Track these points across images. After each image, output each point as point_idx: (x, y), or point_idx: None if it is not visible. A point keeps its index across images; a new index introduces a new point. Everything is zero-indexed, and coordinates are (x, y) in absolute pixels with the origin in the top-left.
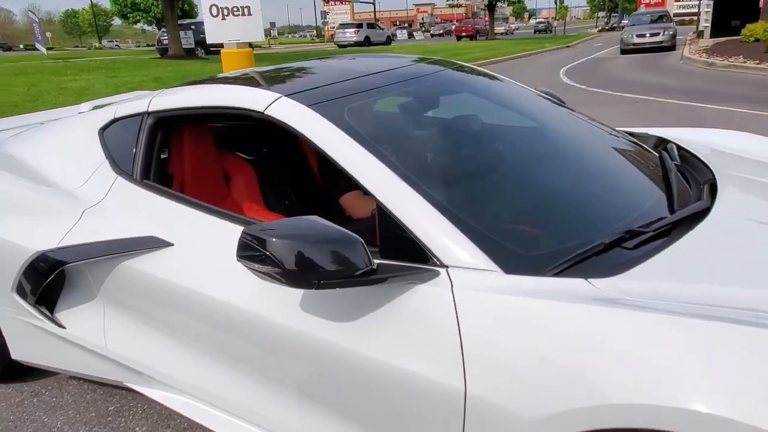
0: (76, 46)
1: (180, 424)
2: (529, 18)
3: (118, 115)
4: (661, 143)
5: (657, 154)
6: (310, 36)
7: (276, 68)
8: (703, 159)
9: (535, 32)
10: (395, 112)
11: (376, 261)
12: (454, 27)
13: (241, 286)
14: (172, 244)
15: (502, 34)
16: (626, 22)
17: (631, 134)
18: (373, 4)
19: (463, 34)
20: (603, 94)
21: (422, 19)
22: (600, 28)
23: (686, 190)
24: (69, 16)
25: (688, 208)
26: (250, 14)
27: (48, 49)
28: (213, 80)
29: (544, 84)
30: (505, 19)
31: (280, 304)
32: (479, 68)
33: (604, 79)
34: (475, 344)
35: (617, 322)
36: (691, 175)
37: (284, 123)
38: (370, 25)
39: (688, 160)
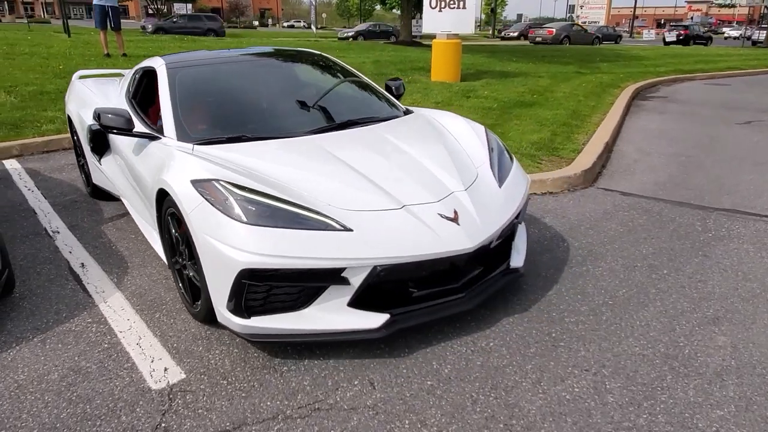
0: (344, 27)
1: None
2: None
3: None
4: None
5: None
6: None
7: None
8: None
9: None
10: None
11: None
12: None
13: None
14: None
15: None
16: None
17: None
18: None
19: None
20: None
21: (691, 18)
22: None
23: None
24: (343, 0)
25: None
26: (464, 7)
27: (319, 28)
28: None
29: None
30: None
31: None
32: (330, 60)
33: None
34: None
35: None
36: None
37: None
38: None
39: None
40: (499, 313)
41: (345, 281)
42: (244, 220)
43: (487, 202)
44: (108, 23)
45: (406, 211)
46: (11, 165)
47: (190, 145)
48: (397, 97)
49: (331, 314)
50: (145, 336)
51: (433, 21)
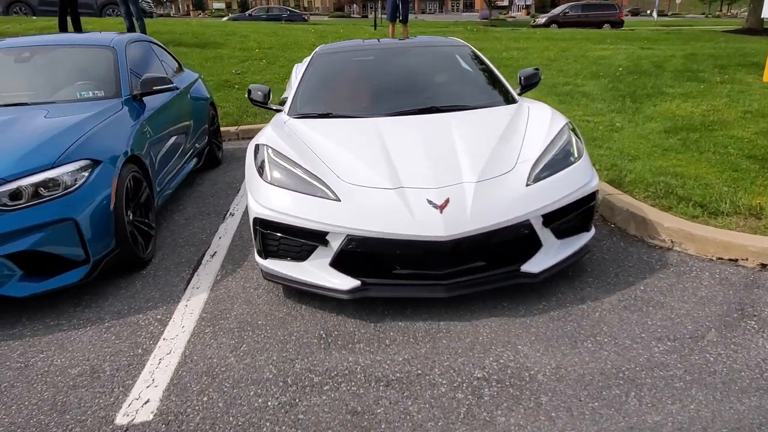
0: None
1: None
2: None
3: None
4: None
5: None
6: None
7: None
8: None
9: None
10: None
11: None
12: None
13: None
14: None
15: None
16: None
17: None
18: None
19: None
20: None
21: None
22: None
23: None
24: None
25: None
26: None
27: (670, 15)
28: None
29: None
30: None
31: None
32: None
33: None
34: None
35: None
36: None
37: None
38: None
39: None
40: None
41: (327, 244)
42: (267, 179)
43: (495, 197)
44: (397, 15)
45: (397, 192)
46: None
47: (288, 118)
48: (529, 86)
49: (317, 270)
50: (172, 353)
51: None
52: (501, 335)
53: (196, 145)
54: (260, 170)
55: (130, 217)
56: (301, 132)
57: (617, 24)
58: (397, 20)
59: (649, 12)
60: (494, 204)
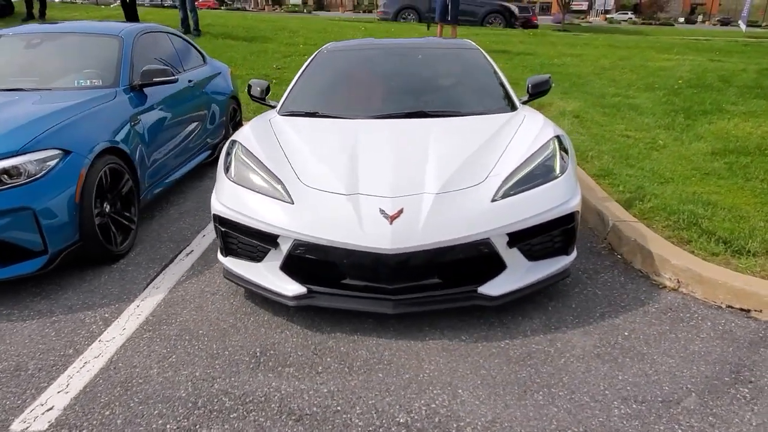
0: None
1: None
2: None
3: None
4: None
5: None
6: None
7: None
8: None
9: None
10: None
11: None
12: None
13: None
14: None
15: None
16: None
17: None
18: None
19: None
20: None
21: None
22: None
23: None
24: None
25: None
26: None
27: (754, 24)
28: None
29: None
30: None
31: None
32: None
33: None
34: None
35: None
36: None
37: None
38: None
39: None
40: None
41: (278, 247)
42: (231, 177)
43: (454, 211)
44: (446, 16)
45: (351, 198)
46: None
47: (275, 115)
48: (538, 94)
49: (269, 273)
50: (100, 357)
51: None
52: (445, 374)
53: (208, 140)
54: (226, 167)
55: (107, 210)
56: (280, 130)
57: (531, 26)
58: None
59: (739, 22)
60: (451, 219)
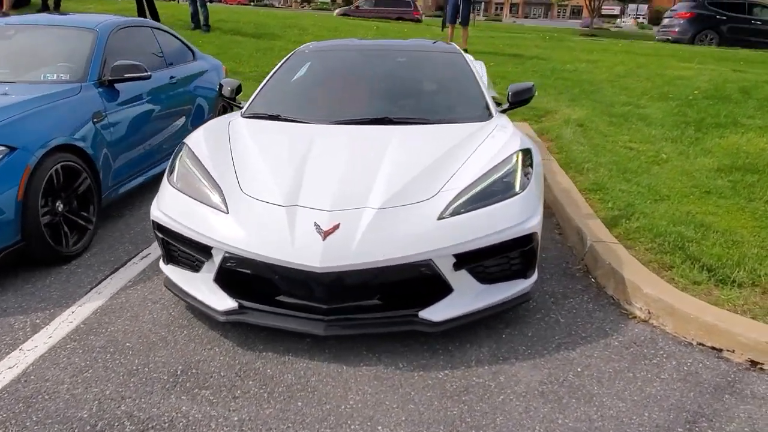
0: None
1: None
2: None
3: None
4: None
5: None
6: None
7: None
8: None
9: None
10: None
11: None
12: None
13: None
14: None
15: None
16: None
17: None
18: None
19: None
20: None
21: None
22: None
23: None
24: None
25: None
26: None
27: None
28: None
29: None
30: None
31: None
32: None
33: None
34: None
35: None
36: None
37: None
38: None
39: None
40: None
41: (211, 258)
42: (172, 182)
43: (394, 229)
44: (456, 18)
45: (287, 210)
46: None
47: (236, 117)
48: (519, 103)
49: (203, 284)
50: (14, 367)
51: None
52: (369, 406)
53: None
54: (170, 171)
55: (59, 209)
56: (236, 133)
57: (413, 20)
58: (457, 22)
59: None
60: (390, 237)
